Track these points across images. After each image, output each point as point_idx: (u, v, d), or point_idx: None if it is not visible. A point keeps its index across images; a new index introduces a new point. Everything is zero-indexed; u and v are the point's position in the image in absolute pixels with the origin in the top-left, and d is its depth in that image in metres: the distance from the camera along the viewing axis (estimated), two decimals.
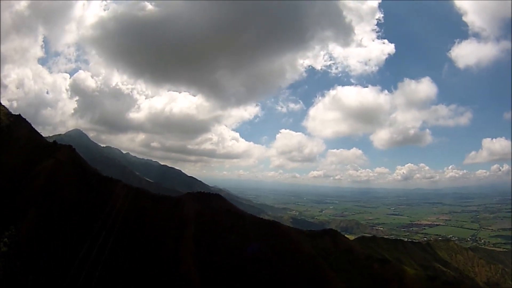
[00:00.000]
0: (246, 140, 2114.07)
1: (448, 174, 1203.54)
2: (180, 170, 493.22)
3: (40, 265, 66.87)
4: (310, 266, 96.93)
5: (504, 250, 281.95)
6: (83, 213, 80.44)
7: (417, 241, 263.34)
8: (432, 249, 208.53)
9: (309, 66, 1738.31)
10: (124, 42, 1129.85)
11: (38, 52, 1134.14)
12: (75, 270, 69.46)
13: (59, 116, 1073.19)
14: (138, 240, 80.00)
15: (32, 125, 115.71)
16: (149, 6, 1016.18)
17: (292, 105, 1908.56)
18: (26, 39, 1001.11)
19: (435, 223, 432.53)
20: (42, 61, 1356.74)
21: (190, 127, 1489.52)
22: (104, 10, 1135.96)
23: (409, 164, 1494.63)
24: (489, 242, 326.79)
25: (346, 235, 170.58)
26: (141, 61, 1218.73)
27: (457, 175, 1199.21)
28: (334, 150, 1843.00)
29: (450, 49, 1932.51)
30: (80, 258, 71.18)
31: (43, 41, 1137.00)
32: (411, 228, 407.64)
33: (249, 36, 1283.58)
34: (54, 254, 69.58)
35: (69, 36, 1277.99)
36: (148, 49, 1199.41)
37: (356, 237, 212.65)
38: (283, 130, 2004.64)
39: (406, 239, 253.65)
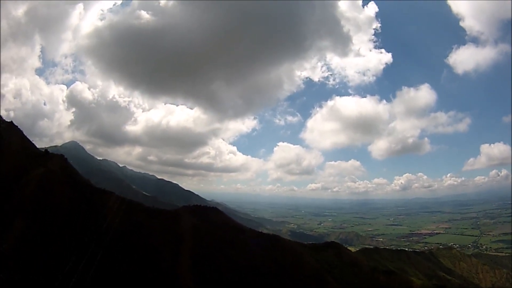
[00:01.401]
0: (244, 154, 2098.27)
1: (447, 182, 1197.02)
2: (178, 184, 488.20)
3: (25, 277, 62.48)
4: (314, 280, 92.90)
5: (507, 254, 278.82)
6: (73, 225, 75.87)
7: (419, 250, 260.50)
8: (436, 257, 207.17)
9: (306, 77, 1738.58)
10: (119, 52, 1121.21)
11: (35, 62, 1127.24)
12: (62, 283, 64.87)
13: (56, 128, 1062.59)
14: (132, 254, 75.12)
15: (25, 134, 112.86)
16: (146, 15, 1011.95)
17: (289, 118, 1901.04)
18: (23, 48, 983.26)
19: (435, 231, 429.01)
20: (40, 72, 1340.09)
21: (187, 141, 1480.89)
22: (100, 19, 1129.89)
23: (407, 174, 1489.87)
24: (491, 247, 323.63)
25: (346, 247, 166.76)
26: (137, 72, 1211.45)
27: (455, 182, 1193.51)
28: (332, 162, 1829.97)
29: (448, 56, 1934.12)
30: (67, 271, 66.46)
31: (40, 51, 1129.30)
32: (411, 238, 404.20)
33: (246, 45, 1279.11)
34: (41, 266, 65.18)
35: (66, 45, 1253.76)
36: (144, 59, 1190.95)
37: (356, 249, 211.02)
38: (280, 143, 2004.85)
39: (407, 249, 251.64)
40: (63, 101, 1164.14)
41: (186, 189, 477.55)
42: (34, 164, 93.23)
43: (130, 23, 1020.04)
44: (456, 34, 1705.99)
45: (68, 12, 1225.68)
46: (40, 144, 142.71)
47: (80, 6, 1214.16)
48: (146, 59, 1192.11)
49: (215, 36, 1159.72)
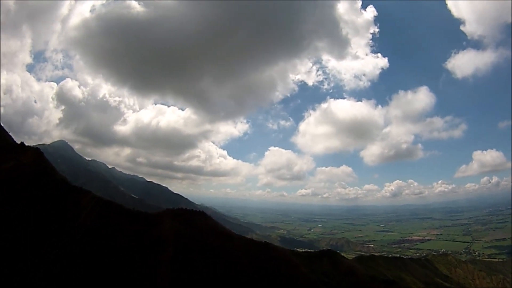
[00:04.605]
0: (234, 158, 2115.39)
1: (437, 189, 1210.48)
2: (167, 187, 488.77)
3: None
4: None
5: (500, 260, 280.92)
6: (41, 226, 66.14)
7: (411, 257, 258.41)
8: (432, 264, 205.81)
9: (301, 81, 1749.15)
10: (108, 44, 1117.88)
11: (26, 57, 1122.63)
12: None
13: (45, 126, 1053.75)
14: (103, 260, 65.17)
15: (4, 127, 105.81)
16: (137, 6, 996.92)
17: (282, 122, 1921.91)
18: (12, 40, 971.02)
19: (426, 238, 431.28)
20: (30, 68, 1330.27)
21: (177, 142, 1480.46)
22: (91, 11, 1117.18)
23: (398, 180, 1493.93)
24: (483, 253, 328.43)
25: None
26: (126, 66, 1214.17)
27: (446, 189, 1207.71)
28: (323, 168, 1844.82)
29: (447, 60, 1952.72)
30: (29, 275, 57.40)
31: (31, 46, 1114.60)
32: (403, 244, 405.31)
33: (240, 40, 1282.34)
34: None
35: (55, 38, 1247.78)
36: (133, 52, 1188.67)
37: (348, 255, 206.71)
38: (272, 148, 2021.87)
39: (399, 255, 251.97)
40: (52, 99, 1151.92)
41: (175, 192, 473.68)
42: (6, 157, 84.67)
43: (119, 13, 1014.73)
44: (456, 39, 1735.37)
45: (58, 4, 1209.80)
46: (29, 142, 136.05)
47: None
48: (135, 52, 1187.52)
49: (208, 29, 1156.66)
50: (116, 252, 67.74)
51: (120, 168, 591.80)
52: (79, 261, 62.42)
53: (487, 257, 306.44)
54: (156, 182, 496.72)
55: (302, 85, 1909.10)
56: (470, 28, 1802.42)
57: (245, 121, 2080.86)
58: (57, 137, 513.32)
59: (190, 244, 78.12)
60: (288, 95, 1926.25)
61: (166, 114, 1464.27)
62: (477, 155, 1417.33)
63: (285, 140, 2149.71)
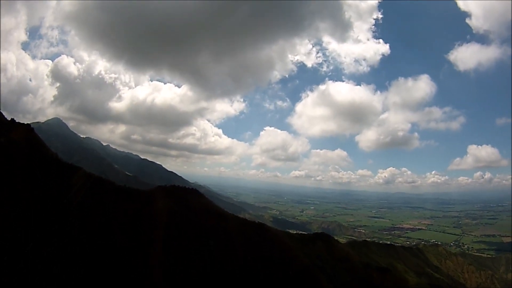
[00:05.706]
0: (229, 137, 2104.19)
1: (430, 180, 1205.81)
2: (161, 165, 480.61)
3: None
4: (304, 278, 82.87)
5: (489, 256, 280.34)
6: (31, 204, 64.08)
7: (402, 245, 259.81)
8: (423, 254, 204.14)
9: (300, 62, 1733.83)
10: (103, 18, 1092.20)
11: (21, 35, 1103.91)
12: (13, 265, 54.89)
13: (39, 104, 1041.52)
14: (91, 237, 63.19)
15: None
16: None
17: (279, 102, 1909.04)
18: (7, 18, 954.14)
19: (417, 227, 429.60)
20: (25, 46, 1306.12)
21: (172, 120, 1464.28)
22: None
23: (391, 168, 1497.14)
24: (472, 247, 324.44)
25: None
26: (122, 41, 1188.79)
27: (439, 180, 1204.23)
28: (318, 151, 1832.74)
29: (449, 52, 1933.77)
30: (19, 253, 55.67)
31: (26, 23, 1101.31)
32: (393, 232, 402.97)
33: (240, 16, 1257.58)
34: None
35: (51, 15, 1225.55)
36: (128, 26, 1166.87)
37: (339, 239, 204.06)
38: (267, 128, 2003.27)
39: (389, 242, 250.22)
40: (47, 76, 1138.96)
41: (169, 170, 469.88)
42: None
43: None
44: (461, 31, 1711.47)
45: None
46: (23, 120, 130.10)
47: None
48: (132, 26, 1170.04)
49: (207, 4, 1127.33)
50: (106, 231, 65.90)
51: (115, 145, 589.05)
52: (66, 239, 60.46)
53: (476, 251, 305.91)
54: (150, 160, 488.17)
55: (301, 66, 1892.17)
56: (476, 22, 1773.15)
57: (241, 99, 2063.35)
58: (52, 114, 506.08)
59: (183, 225, 76.29)
60: (286, 75, 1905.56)
61: (162, 91, 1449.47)
62: (472, 149, 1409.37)
63: (281, 120, 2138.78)
